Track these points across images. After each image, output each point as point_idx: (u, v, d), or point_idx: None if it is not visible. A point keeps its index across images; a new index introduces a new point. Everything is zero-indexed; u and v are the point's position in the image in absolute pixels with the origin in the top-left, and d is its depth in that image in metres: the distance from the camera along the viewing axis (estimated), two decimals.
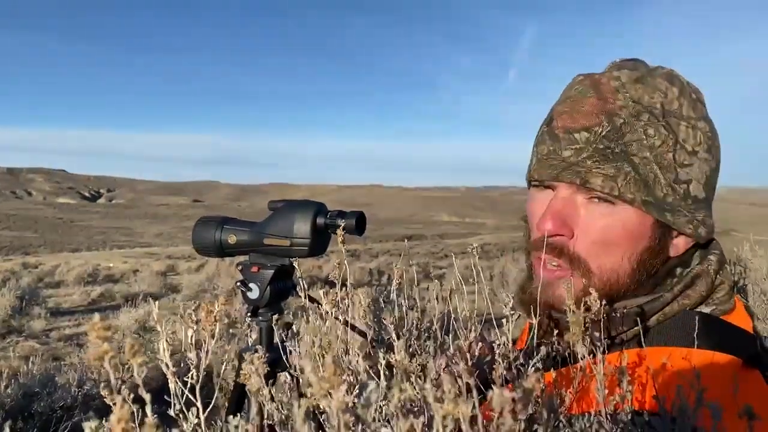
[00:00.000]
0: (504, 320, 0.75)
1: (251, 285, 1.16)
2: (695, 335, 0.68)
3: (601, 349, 0.61)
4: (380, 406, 0.59)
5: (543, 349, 0.75)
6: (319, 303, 0.82)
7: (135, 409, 0.40)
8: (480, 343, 0.81)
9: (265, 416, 0.66)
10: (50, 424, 3.78)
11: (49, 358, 6.26)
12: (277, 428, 0.65)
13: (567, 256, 0.80)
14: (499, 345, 0.70)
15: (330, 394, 0.33)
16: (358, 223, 1.12)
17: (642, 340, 0.70)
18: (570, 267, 0.80)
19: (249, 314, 1.16)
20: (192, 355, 0.55)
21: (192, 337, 0.55)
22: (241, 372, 0.63)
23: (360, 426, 0.35)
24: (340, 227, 0.94)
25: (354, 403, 0.36)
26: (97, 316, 0.33)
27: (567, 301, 0.65)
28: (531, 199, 0.88)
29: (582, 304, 0.65)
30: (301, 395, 0.78)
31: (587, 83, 0.82)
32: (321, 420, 0.65)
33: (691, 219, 0.79)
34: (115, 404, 0.29)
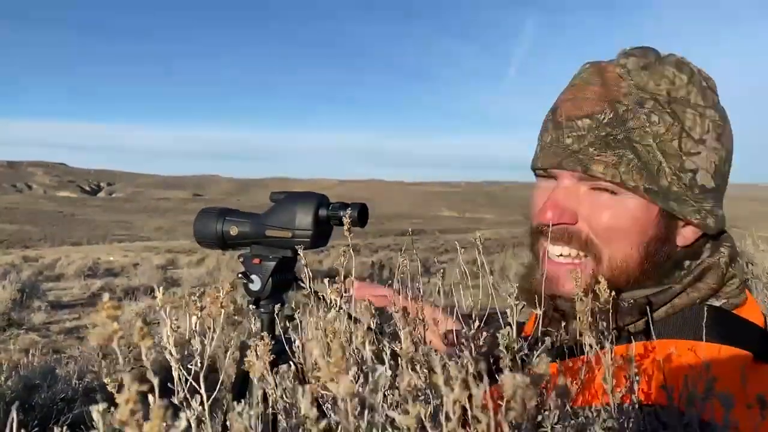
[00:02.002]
0: (508, 311, 0.74)
1: (253, 277, 1.15)
2: (704, 328, 0.67)
3: (609, 339, 0.60)
4: (386, 395, 0.58)
5: (548, 340, 0.74)
6: (323, 294, 0.82)
7: (141, 396, 0.39)
8: (484, 333, 0.81)
9: (270, 404, 0.66)
10: (51, 416, 3.79)
11: (49, 351, 6.27)
12: (280, 416, 0.64)
13: (578, 241, 0.79)
14: (503, 336, 0.70)
15: (337, 379, 0.33)
16: (361, 215, 1.11)
17: (651, 331, 0.69)
18: (581, 251, 0.79)
19: (251, 305, 1.15)
20: (196, 342, 0.54)
21: (196, 324, 0.55)
22: (245, 360, 0.63)
23: (367, 412, 0.34)
24: (346, 218, 0.93)
25: (360, 389, 0.35)
26: (106, 296, 0.33)
27: (576, 290, 0.64)
28: (535, 187, 0.88)
29: (590, 293, 0.64)
30: (305, 381, 0.78)
31: (592, 71, 0.81)
32: (324, 409, 0.65)
33: (698, 209, 0.77)
34: (121, 387, 0.29)
